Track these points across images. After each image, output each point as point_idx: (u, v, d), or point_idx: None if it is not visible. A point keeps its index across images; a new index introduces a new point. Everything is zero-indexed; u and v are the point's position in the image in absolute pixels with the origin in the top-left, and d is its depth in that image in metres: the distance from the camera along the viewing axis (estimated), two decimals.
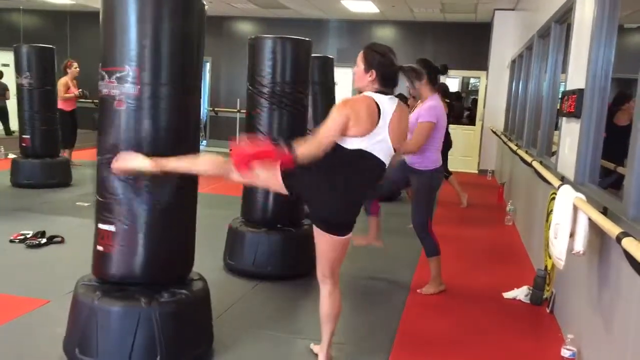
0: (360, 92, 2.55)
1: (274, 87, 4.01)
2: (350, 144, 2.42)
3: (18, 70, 7.20)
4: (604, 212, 2.59)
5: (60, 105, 8.11)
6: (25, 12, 12.33)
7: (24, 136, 7.26)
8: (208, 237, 4.29)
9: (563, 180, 3.67)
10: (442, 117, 3.84)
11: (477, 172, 11.05)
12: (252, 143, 2.40)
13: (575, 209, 2.50)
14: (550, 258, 3.54)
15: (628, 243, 1.77)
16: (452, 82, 12.59)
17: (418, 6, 10.17)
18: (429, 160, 3.86)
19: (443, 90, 7.06)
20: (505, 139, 7.61)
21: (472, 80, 13.33)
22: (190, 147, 2.67)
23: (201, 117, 11.29)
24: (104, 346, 2.55)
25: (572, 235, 2.51)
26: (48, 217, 5.56)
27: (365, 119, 2.40)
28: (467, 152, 11.36)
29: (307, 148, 2.39)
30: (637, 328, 2.11)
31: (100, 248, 2.67)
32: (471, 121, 11.90)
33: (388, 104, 2.47)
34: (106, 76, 2.53)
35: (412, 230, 4.01)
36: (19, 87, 7.21)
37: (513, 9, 10.02)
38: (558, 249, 2.60)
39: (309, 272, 4.13)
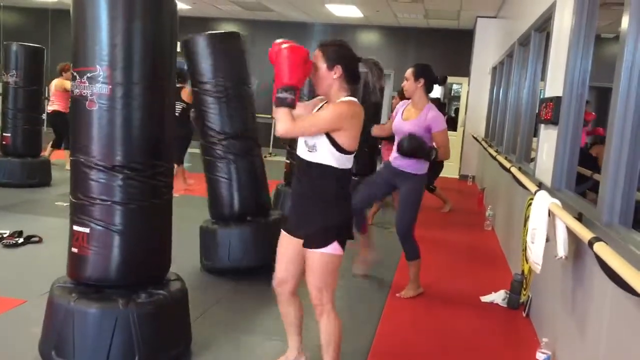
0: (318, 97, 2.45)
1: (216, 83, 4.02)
2: (342, 162, 2.33)
3: (5, 68, 7.13)
4: (579, 217, 2.63)
5: (59, 107, 8.05)
6: (6, 8, 12.20)
7: (5, 134, 7.18)
8: (186, 239, 4.30)
9: (540, 186, 3.73)
10: None
11: (458, 177, 11.15)
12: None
13: (552, 214, 2.54)
14: (527, 262, 3.59)
15: (599, 248, 1.80)
16: (435, 87, 12.71)
17: (402, 12, 10.26)
18: (421, 164, 3.89)
19: None
20: (485, 145, 7.70)
21: (454, 87, 13.46)
22: (164, 147, 2.68)
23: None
24: (81, 348, 2.52)
25: (548, 240, 2.55)
26: (26, 217, 5.50)
27: (357, 134, 2.32)
28: None
29: (291, 124, 2.25)
30: (609, 332, 2.16)
31: (75, 250, 2.64)
32: (453, 127, 12.01)
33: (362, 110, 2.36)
34: (77, 76, 2.52)
35: (393, 234, 4.04)
36: (5, 85, 7.14)
37: (495, 17, 10.15)
38: (535, 254, 2.64)
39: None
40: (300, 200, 2.44)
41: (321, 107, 2.44)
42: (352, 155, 2.38)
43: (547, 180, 3.64)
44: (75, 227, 2.63)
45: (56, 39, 11.72)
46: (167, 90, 2.67)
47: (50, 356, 2.58)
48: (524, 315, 3.71)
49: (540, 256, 2.58)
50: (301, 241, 2.39)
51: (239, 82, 4.12)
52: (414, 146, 3.68)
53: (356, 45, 11.57)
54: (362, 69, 2.41)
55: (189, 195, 7.13)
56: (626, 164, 2.30)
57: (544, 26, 4.76)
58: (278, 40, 2.28)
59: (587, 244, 1.96)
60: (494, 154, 6.21)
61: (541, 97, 4.59)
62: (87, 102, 2.52)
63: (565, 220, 2.29)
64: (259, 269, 4.01)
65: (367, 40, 12.23)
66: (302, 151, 2.39)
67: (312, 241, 2.35)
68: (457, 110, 12.25)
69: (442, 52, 11.68)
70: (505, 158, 5.80)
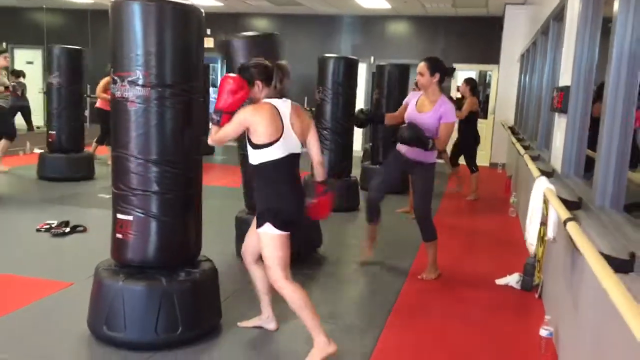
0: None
1: None
2: (268, 155, 2.72)
3: (49, 70, 7.59)
4: (579, 201, 2.80)
5: (100, 104, 8.50)
6: (48, 10, 12.75)
7: (50, 132, 7.64)
8: (223, 228, 4.58)
9: (553, 172, 3.88)
10: None
11: (488, 165, 11.19)
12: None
13: (546, 198, 2.72)
14: (541, 246, 3.76)
15: (570, 227, 1.98)
16: (470, 75, 12.60)
17: (429, 1, 10.32)
18: (433, 154, 4.10)
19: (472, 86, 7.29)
20: (510, 132, 7.78)
21: (489, 74, 13.38)
22: (195, 141, 2.97)
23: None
24: (132, 322, 2.85)
25: (544, 223, 2.73)
26: (72, 208, 5.90)
27: (269, 126, 2.70)
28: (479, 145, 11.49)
29: (215, 136, 2.77)
30: (594, 308, 2.33)
31: (119, 236, 2.96)
32: (484, 115, 12.02)
33: (283, 106, 2.77)
34: (118, 80, 2.82)
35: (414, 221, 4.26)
36: (49, 85, 7.61)
37: (523, 3, 10.11)
38: (530, 235, 2.82)
39: (312, 257, 4.42)
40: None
41: None
42: (271, 146, 2.71)
43: (559, 166, 3.79)
44: (119, 215, 2.95)
45: (95, 38, 12.21)
46: (196, 89, 2.95)
47: (102, 331, 2.90)
48: (537, 297, 3.87)
49: (535, 237, 2.76)
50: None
51: None
52: (412, 136, 3.88)
53: (385, 37, 11.69)
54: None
55: (225, 187, 7.47)
56: (617, 150, 2.46)
57: (560, 15, 4.86)
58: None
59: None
60: (514, 140, 6.32)
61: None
62: (127, 103, 2.82)
63: (553, 203, 2.47)
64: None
65: (396, 30, 12.32)
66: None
67: (257, 222, 2.80)
68: (487, 97, 12.26)
69: (471, 40, 11.69)
70: (528, 145, 5.91)
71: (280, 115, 2.74)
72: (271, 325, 3.19)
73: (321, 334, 2.76)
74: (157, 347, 2.87)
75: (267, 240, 2.77)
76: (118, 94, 2.84)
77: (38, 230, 4.98)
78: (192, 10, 2.89)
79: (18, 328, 3.13)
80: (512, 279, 4.13)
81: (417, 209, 4.20)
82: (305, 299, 2.77)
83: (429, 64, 4.01)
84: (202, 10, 2.95)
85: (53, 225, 5.03)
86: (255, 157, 2.75)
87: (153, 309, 2.83)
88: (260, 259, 2.96)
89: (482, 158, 11.39)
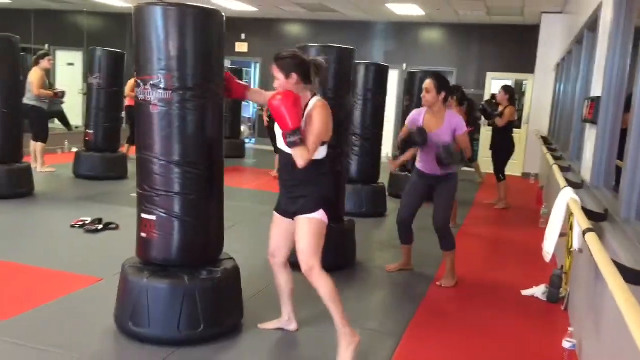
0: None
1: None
2: (324, 151, 2.82)
3: (90, 71, 7.82)
4: (605, 213, 2.77)
5: (129, 102, 8.69)
6: (90, 14, 13.11)
7: (88, 131, 7.87)
8: (253, 229, 4.65)
9: (582, 183, 3.83)
10: None
11: (520, 175, 11.04)
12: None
13: (568, 209, 2.69)
14: (568, 258, 3.71)
15: (589, 237, 1.96)
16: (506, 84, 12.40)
17: (463, 9, 10.27)
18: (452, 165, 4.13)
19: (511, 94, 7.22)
20: (542, 142, 7.67)
21: (524, 83, 13.16)
22: (216, 143, 3.05)
23: (250, 116, 11.80)
24: (155, 318, 2.93)
25: (564, 234, 2.70)
26: (105, 206, 6.06)
27: (330, 125, 2.79)
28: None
29: (307, 155, 2.74)
30: (614, 321, 2.30)
31: (143, 235, 3.04)
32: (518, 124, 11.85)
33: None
34: (141, 84, 2.89)
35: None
36: (89, 86, 7.84)
37: (561, 12, 9.98)
38: (548, 244, 2.80)
39: (350, 264, 4.48)
40: (290, 186, 2.89)
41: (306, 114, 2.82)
42: (326, 144, 2.83)
43: (589, 178, 3.73)
44: (143, 215, 3.03)
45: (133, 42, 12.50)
46: (216, 92, 3.01)
47: (128, 326, 2.99)
48: (562, 309, 3.82)
49: (552, 247, 2.73)
50: (290, 220, 2.90)
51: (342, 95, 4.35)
52: (453, 157, 3.90)
53: (418, 44, 11.68)
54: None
55: (261, 191, 7.57)
56: None
57: (594, 25, 4.79)
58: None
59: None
60: (545, 150, 6.23)
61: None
62: (150, 106, 2.89)
63: (575, 214, 2.44)
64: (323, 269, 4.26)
65: (429, 38, 12.28)
66: (283, 146, 2.82)
67: (304, 210, 2.82)
68: (521, 107, 12.09)
69: (506, 48, 11.59)
70: (560, 156, 5.83)
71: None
72: (292, 326, 3.23)
73: (347, 325, 2.81)
74: (179, 343, 2.94)
75: (315, 227, 2.80)
76: (141, 97, 2.92)
77: (72, 226, 5.14)
78: (213, 13, 2.94)
79: (49, 320, 3.24)
80: (538, 290, 4.09)
81: (438, 220, 4.19)
82: (336, 290, 2.81)
83: (436, 82, 4.03)
84: (224, 14, 3.01)
85: (87, 222, 5.18)
86: (321, 152, 2.82)
87: (176, 306, 2.90)
88: (288, 261, 3.03)
89: (515, 168, 11.25)
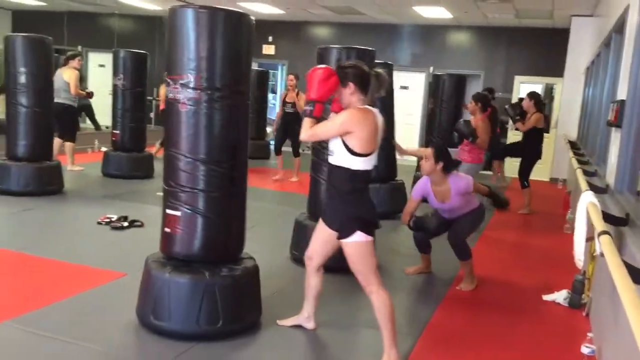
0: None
1: None
2: (365, 164, 2.73)
3: (114, 72, 7.98)
4: (627, 217, 2.73)
5: (163, 107, 8.82)
6: (121, 16, 13.38)
7: (114, 131, 8.04)
8: (275, 229, 4.69)
9: (607, 188, 3.78)
10: None
11: (548, 180, 10.89)
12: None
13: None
14: (591, 263, 3.67)
15: (603, 240, 1.95)
16: (536, 88, 12.17)
17: (492, 11, 10.18)
18: (473, 201, 4.25)
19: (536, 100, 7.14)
20: (569, 146, 7.56)
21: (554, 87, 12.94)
22: (241, 142, 3.10)
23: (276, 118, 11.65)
24: (176, 312, 2.99)
25: (591, 239, 2.68)
26: (131, 204, 6.18)
27: (370, 137, 2.70)
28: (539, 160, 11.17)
29: (310, 131, 2.76)
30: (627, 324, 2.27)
31: (167, 230, 3.11)
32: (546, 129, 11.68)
33: (380, 117, 2.78)
34: (172, 83, 2.97)
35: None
36: (115, 87, 7.99)
37: (591, 15, 9.82)
38: (577, 250, 2.77)
39: None
40: (329, 197, 2.91)
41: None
42: (367, 157, 2.72)
43: (613, 182, 3.68)
44: (168, 211, 3.10)
45: (163, 43, 12.71)
46: (244, 93, 3.07)
47: (149, 319, 3.06)
48: (584, 315, 3.77)
49: (581, 252, 2.71)
50: (332, 232, 2.87)
51: None
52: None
53: (445, 46, 11.63)
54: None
55: (283, 192, 7.63)
56: None
57: (621, 27, 4.72)
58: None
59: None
60: (571, 155, 6.15)
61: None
62: (179, 105, 2.97)
63: (592, 217, 2.42)
64: (339, 269, 4.25)
65: (457, 40, 12.20)
66: (328, 155, 2.85)
67: (342, 233, 2.79)
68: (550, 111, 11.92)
69: (535, 52, 11.45)
70: (587, 161, 5.75)
71: (378, 127, 2.76)
72: (310, 324, 3.25)
73: (394, 348, 2.79)
74: (198, 338, 3.00)
75: (359, 248, 2.77)
76: (171, 95, 3.00)
77: (99, 223, 5.26)
78: (242, 16, 3.02)
79: (74, 312, 3.33)
80: (560, 296, 4.04)
81: (453, 236, 4.19)
82: (391, 310, 2.80)
83: (435, 151, 4.04)
84: (253, 17, 3.07)
85: (113, 219, 5.30)
86: (352, 163, 2.73)
87: (196, 301, 2.96)
88: (323, 266, 3.08)
89: (542, 173, 11.10)
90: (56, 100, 7.08)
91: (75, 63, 7.68)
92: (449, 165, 4.04)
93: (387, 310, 2.78)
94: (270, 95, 12.19)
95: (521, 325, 3.64)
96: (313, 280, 3.15)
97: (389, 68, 7.52)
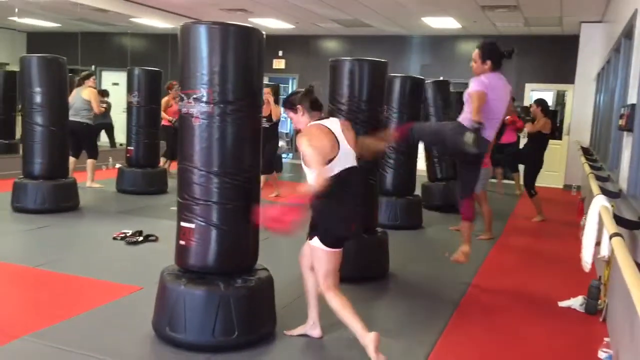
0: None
1: (350, 104, 4.32)
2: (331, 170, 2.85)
3: (129, 90, 8.10)
4: (639, 221, 2.73)
5: (165, 121, 8.95)
6: (133, 35, 13.59)
7: (128, 147, 8.14)
8: (290, 241, 4.66)
9: (620, 192, 3.76)
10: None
11: (562, 187, 10.82)
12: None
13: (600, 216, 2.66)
14: (606, 269, 3.65)
15: (615, 242, 1.95)
16: (547, 95, 12.12)
17: (500, 20, 10.21)
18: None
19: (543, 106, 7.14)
20: (581, 152, 7.52)
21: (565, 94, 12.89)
22: (254, 155, 3.14)
23: (287, 131, 11.92)
24: (191, 324, 3.02)
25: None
26: (146, 219, 6.24)
27: (331, 145, 2.84)
28: (552, 167, 11.11)
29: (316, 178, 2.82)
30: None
31: (182, 242, 3.15)
32: (556, 135, 11.62)
33: (333, 123, 2.96)
34: (185, 97, 3.02)
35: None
36: (129, 104, 8.11)
37: (600, 21, 9.81)
38: (586, 254, 2.76)
39: (383, 275, 4.51)
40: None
41: None
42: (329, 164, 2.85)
43: (626, 186, 3.67)
44: (182, 223, 3.14)
45: (175, 61, 12.85)
46: (255, 106, 3.12)
47: (165, 331, 3.09)
48: (601, 320, 3.74)
49: (590, 256, 2.70)
50: None
51: (371, 108, 4.35)
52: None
53: (455, 56, 11.62)
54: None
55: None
56: None
57: (630, 32, 4.72)
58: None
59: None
60: (583, 160, 6.12)
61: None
62: (192, 119, 3.02)
63: (604, 220, 2.42)
64: (356, 279, 4.14)
65: (466, 50, 12.19)
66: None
67: (309, 233, 3.01)
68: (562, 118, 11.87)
69: (545, 59, 11.45)
70: (600, 166, 5.72)
71: (334, 133, 2.89)
72: (315, 332, 3.27)
73: (363, 329, 2.86)
74: (214, 349, 3.02)
75: (315, 252, 2.96)
76: (184, 110, 3.05)
77: (114, 238, 5.32)
78: (253, 31, 3.08)
79: (92, 326, 3.37)
80: (576, 302, 4.01)
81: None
82: (343, 306, 2.91)
83: (481, 49, 4.16)
84: (264, 32, 3.12)
85: (128, 234, 5.36)
86: (311, 176, 2.88)
87: (211, 313, 2.99)
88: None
89: (556, 180, 11.05)
90: (75, 119, 7.25)
91: (90, 82, 7.80)
92: (498, 59, 4.06)
93: (338, 309, 2.91)
94: (281, 109, 12.27)
95: (537, 332, 3.62)
96: (309, 281, 3.19)
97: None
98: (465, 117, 4.04)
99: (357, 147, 3.05)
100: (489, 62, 4.04)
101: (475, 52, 4.11)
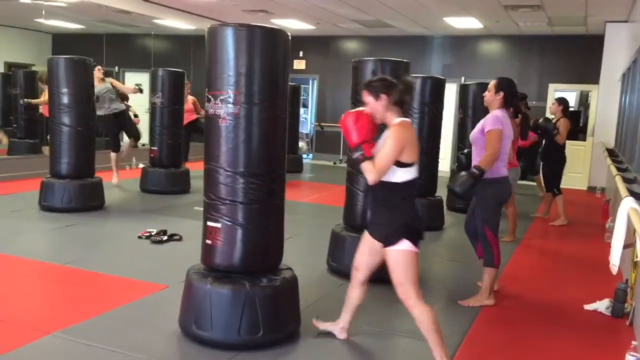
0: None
1: None
2: (410, 174, 2.79)
3: (153, 90, 8.21)
4: None
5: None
6: (156, 37, 13.74)
7: (152, 148, 8.24)
8: (312, 241, 4.74)
9: None
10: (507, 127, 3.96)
11: (586, 189, 10.69)
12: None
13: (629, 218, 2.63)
14: (633, 271, 3.61)
15: None
16: (571, 96, 11.97)
17: (524, 20, 10.12)
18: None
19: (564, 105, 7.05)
20: (607, 154, 7.42)
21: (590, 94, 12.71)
22: (279, 156, 3.18)
23: (308, 132, 12.00)
24: (217, 322, 3.06)
25: (631, 245, 2.65)
26: (169, 219, 6.32)
27: (414, 146, 2.77)
28: (576, 168, 10.99)
29: (375, 170, 2.77)
30: None
31: (208, 242, 3.19)
32: (583, 137, 11.49)
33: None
34: (212, 99, 3.07)
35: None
36: (153, 105, 8.21)
37: (626, 21, 9.67)
38: (613, 256, 2.74)
39: None
40: (374, 208, 2.94)
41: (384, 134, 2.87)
42: (411, 167, 2.80)
43: None
44: (209, 223, 3.18)
45: (197, 62, 12.99)
46: (280, 107, 3.15)
47: (191, 329, 3.13)
48: (627, 324, 3.70)
49: (618, 258, 2.67)
50: (377, 242, 2.88)
51: None
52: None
53: (477, 56, 11.54)
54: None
55: (319, 204, 7.69)
56: None
57: None
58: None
59: None
60: (609, 162, 6.05)
61: None
62: (219, 120, 3.06)
63: (634, 222, 2.40)
64: (375, 281, 4.24)
65: (488, 50, 12.14)
66: None
67: (387, 240, 2.82)
68: (586, 119, 11.73)
69: (569, 59, 11.33)
70: (626, 168, 5.65)
71: (416, 137, 2.87)
72: (342, 335, 3.27)
73: (446, 357, 2.77)
74: (239, 347, 3.06)
75: (403, 257, 2.79)
76: (211, 111, 3.09)
77: (139, 237, 5.40)
78: (279, 33, 3.11)
79: (118, 324, 3.43)
80: (602, 305, 3.97)
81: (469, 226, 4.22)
82: (434, 321, 2.77)
83: (496, 82, 4.08)
84: (289, 34, 3.15)
85: (152, 233, 5.43)
86: (399, 175, 2.79)
87: (237, 311, 3.02)
88: (368, 280, 3.10)
89: (580, 181, 10.92)
90: (104, 112, 7.62)
91: (96, 73, 7.76)
92: (510, 95, 3.99)
93: (428, 323, 2.76)
94: (302, 110, 12.33)
95: (563, 335, 3.59)
96: (355, 292, 3.16)
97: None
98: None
99: None
100: (501, 94, 3.97)
101: (492, 82, 4.06)
